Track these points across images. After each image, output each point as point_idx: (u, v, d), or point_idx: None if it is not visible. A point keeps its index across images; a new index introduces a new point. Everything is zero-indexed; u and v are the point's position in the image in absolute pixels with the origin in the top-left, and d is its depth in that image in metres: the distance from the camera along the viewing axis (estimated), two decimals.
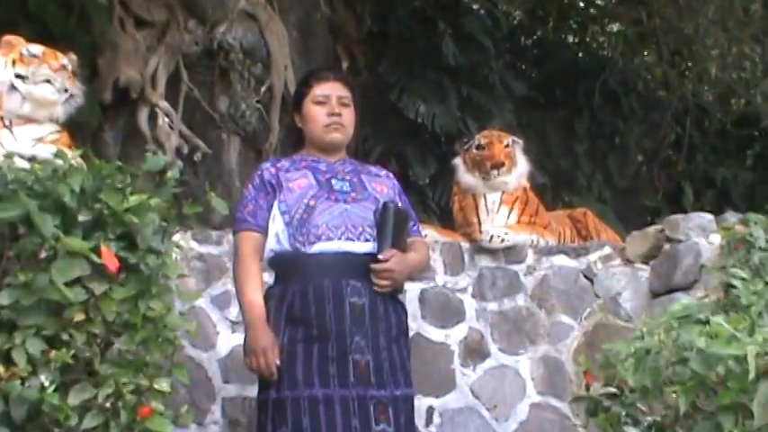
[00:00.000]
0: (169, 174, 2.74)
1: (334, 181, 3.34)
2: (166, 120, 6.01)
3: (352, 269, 3.20)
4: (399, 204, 3.36)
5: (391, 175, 3.54)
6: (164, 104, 6.01)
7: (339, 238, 3.21)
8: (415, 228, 3.49)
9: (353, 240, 3.22)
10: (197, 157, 6.14)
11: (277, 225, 3.27)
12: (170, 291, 2.72)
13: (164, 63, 6.10)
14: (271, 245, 3.29)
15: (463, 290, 4.53)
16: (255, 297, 3.22)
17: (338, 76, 3.55)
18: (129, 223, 2.59)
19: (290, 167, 3.36)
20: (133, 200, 2.59)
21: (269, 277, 3.45)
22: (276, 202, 3.29)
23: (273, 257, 3.31)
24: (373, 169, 3.53)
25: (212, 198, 2.83)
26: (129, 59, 5.94)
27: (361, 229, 3.24)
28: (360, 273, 3.20)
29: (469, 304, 4.52)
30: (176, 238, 2.84)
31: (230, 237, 4.49)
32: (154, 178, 2.77)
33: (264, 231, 3.29)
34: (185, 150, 6.09)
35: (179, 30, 6.17)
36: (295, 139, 3.57)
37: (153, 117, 6.01)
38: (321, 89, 3.41)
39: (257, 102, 6.38)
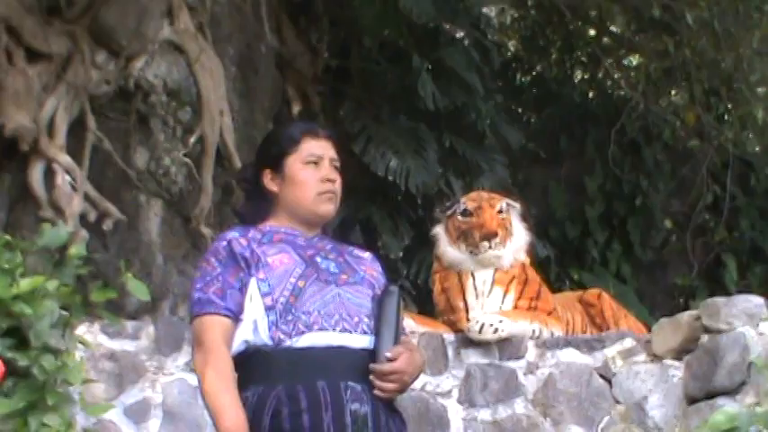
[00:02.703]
0: (73, 250, 2.72)
1: (318, 259, 3.34)
2: (67, 178, 5.99)
3: (349, 369, 3.18)
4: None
5: (375, 258, 3.56)
6: (64, 159, 5.99)
7: (333, 329, 3.20)
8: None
9: (350, 332, 3.21)
10: (107, 225, 6.10)
11: (255, 310, 3.22)
12: (71, 401, 2.69)
13: (64, 106, 6.09)
14: (244, 335, 3.23)
15: (447, 394, 4.52)
16: (233, 402, 3.16)
17: (328, 133, 3.57)
18: (18, 314, 2.57)
19: (263, 240, 3.36)
20: (25, 284, 2.58)
21: None
22: (255, 281, 3.25)
23: (245, 351, 3.27)
24: (354, 250, 3.53)
25: (128, 280, 2.82)
26: (18, 101, 5.93)
27: (357, 318, 3.23)
28: (358, 373, 3.18)
29: (455, 412, 4.52)
30: (80, 331, 2.82)
31: (150, 329, 4.51)
32: (52, 255, 2.76)
33: (235, 317, 3.25)
34: (92, 217, 6.07)
35: (84, 64, 6.18)
36: (243, 205, 3.57)
37: (50, 175, 5.98)
38: (312, 147, 3.40)
39: (185, 155, 6.37)
